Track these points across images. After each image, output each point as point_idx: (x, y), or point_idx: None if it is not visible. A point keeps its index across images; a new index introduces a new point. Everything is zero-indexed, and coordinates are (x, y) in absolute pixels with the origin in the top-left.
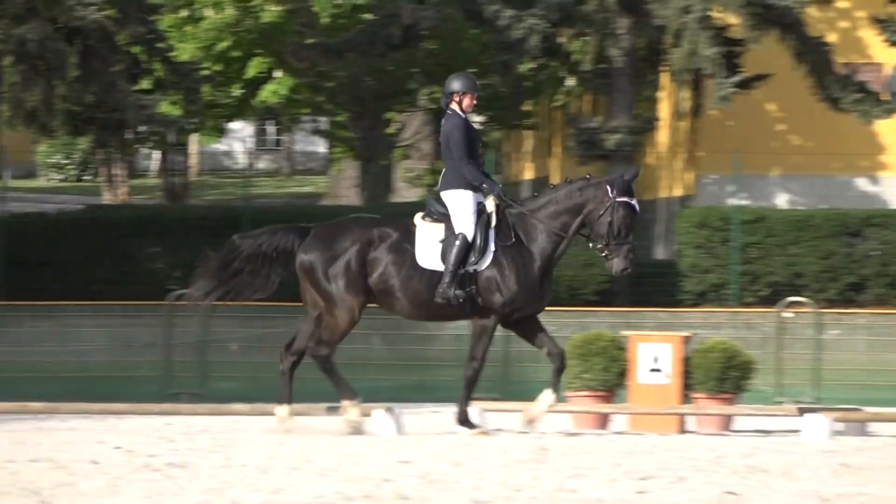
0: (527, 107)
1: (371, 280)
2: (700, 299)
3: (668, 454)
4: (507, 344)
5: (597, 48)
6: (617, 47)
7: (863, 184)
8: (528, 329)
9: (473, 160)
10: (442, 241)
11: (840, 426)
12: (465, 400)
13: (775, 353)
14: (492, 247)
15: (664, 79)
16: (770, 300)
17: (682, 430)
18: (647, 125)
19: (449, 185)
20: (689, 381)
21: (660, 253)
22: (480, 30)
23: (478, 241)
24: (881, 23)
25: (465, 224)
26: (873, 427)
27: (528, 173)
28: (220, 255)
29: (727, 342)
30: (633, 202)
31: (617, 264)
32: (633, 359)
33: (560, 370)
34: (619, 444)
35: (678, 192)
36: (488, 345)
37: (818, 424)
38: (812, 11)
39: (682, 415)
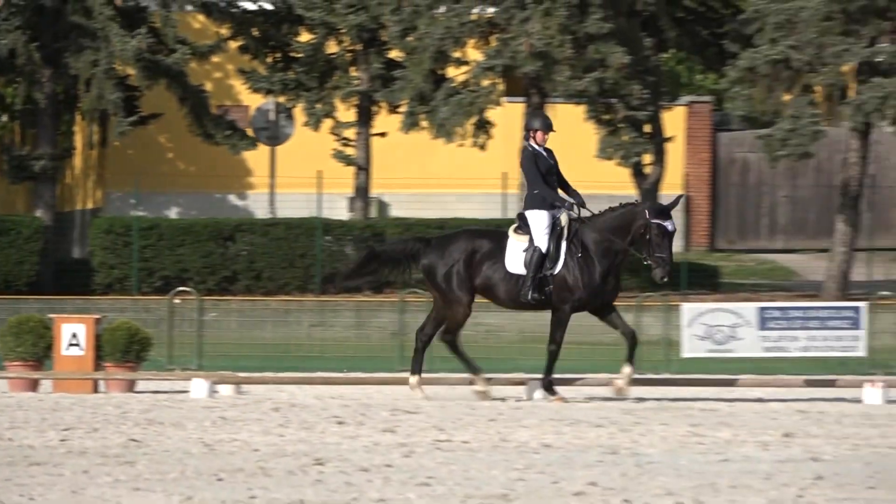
0: None
1: (476, 282)
2: (108, 289)
3: (84, 410)
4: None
5: (26, 92)
6: (41, 92)
7: (233, 199)
8: (606, 314)
9: (549, 184)
10: (524, 251)
11: (218, 387)
12: (547, 371)
13: (167, 331)
14: (563, 255)
15: (79, 116)
16: (163, 290)
17: (96, 392)
18: (66, 153)
19: (529, 206)
20: (101, 353)
21: (77, 253)
22: None
23: (551, 250)
24: (245, 73)
25: (540, 238)
26: (245, 388)
27: None
28: (360, 257)
29: (130, 323)
30: (666, 224)
31: (656, 273)
32: (57, 336)
33: (633, 347)
34: (46, 402)
35: (90, 205)
36: (564, 330)
37: (201, 386)
38: (193, 65)
39: (95, 379)
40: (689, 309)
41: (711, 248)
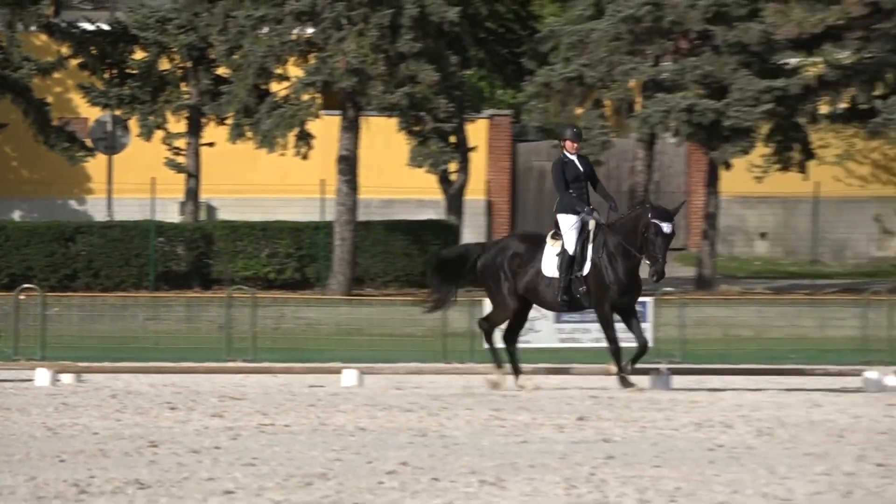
0: None
1: (518, 286)
2: None
3: None
4: None
5: None
6: None
7: (74, 204)
8: (626, 318)
9: (577, 190)
10: (557, 255)
11: (60, 376)
12: (616, 363)
13: (13, 325)
14: (589, 257)
15: None
16: (9, 287)
17: None
18: None
19: (558, 210)
20: None
21: None
22: None
23: (578, 253)
24: (84, 88)
25: (568, 242)
26: (85, 377)
27: None
28: (435, 269)
29: None
30: (662, 225)
31: (650, 272)
32: None
33: (639, 354)
34: None
35: None
36: (612, 328)
37: (44, 375)
38: (36, 80)
39: None
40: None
41: None
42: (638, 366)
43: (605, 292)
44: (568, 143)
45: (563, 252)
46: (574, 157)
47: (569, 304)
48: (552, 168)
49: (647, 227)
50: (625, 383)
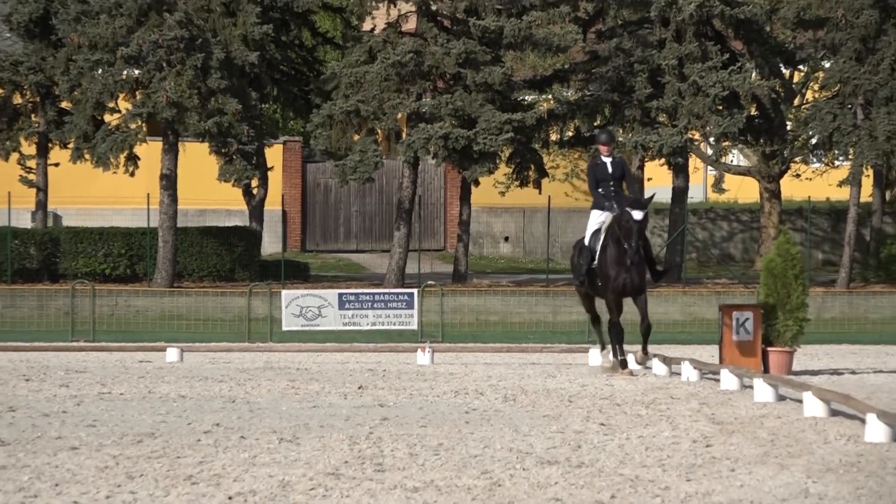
0: None
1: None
2: None
3: None
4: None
5: None
6: None
7: None
8: (635, 302)
9: (605, 189)
10: (574, 247)
11: None
12: (645, 340)
13: None
14: (598, 248)
15: None
16: None
17: None
18: None
19: (592, 207)
20: None
21: None
22: None
23: (592, 245)
24: None
25: (587, 235)
26: None
27: None
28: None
29: None
30: (633, 212)
31: (628, 254)
32: None
33: (645, 335)
34: None
35: None
36: (612, 311)
37: None
38: None
39: None
40: (287, 294)
41: (303, 250)
42: (407, 344)
43: (607, 280)
44: (601, 147)
45: (581, 243)
46: (607, 159)
47: (582, 286)
48: (588, 168)
49: (623, 217)
50: (623, 365)
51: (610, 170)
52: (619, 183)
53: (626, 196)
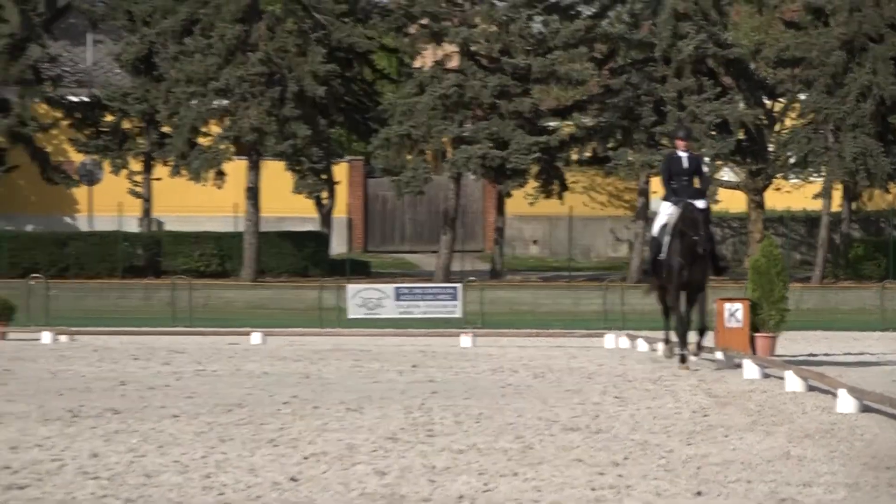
0: None
1: None
2: None
3: None
4: None
5: None
6: None
7: (67, 219)
8: (690, 296)
9: (678, 183)
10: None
11: (59, 337)
12: (701, 337)
13: (26, 301)
14: (666, 241)
15: None
16: (23, 275)
17: None
18: None
19: (663, 199)
20: None
21: None
22: None
23: (660, 237)
24: (72, 140)
25: (654, 227)
26: (77, 337)
27: None
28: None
29: (2, 296)
30: (698, 202)
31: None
32: None
33: (699, 331)
34: None
35: None
36: (673, 302)
37: (47, 336)
38: (39, 135)
39: None
40: (352, 288)
41: (365, 250)
42: (453, 330)
43: (671, 272)
44: (678, 141)
45: (651, 236)
46: (683, 154)
47: (647, 277)
48: (662, 163)
49: (687, 208)
50: (682, 358)
51: (686, 164)
52: (693, 178)
53: (689, 187)
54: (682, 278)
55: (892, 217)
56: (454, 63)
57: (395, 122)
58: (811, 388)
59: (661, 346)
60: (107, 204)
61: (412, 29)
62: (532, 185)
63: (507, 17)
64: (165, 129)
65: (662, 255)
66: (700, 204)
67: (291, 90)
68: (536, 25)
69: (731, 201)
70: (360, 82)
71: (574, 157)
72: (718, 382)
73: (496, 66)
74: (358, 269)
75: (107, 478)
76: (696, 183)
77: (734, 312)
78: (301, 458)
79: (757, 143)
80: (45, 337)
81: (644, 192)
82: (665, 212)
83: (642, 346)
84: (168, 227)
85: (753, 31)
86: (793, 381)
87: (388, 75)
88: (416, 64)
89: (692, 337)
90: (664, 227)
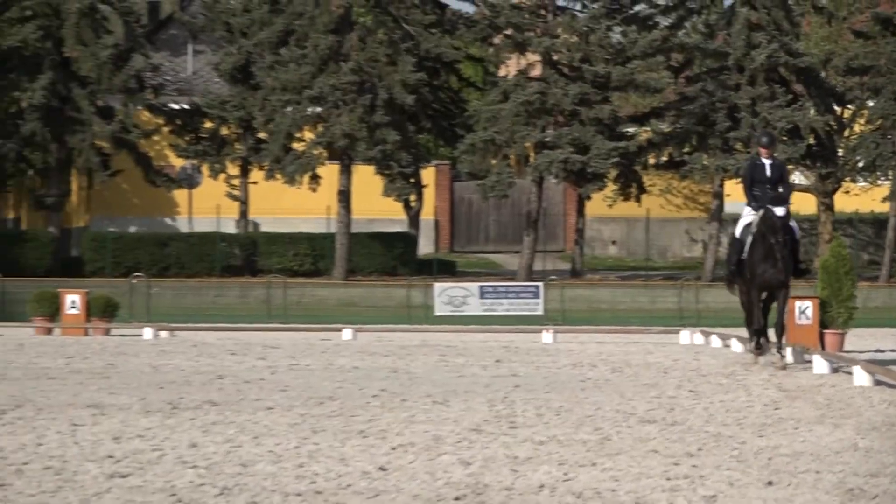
0: None
1: None
2: (93, 274)
3: (79, 347)
4: None
5: (42, 157)
6: (52, 157)
7: (167, 221)
8: (769, 298)
9: (760, 189)
10: (728, 244)
11: (160, 333)
12: (778, 338)
13: (129, 299)
14: (748, 244)
15: (75, 171)
16: (125, 274)
17: (86, 335)
18: (66, 192)
19: (746, 205)
20: (89, 312)
21: (74, 252)
22: None
23: (742, 237)
24: (173, 146)
25: (737, 229)
26: (176, 333)
27: None
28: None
29: (106, 294)
30: (777, 209)
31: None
32: (62, 302)
33: (779, 334)
34: (56, 342)
35: (82, 223)
36: (745, 308)
37: (149, 332)
38: (142, 141)
39: (85, 328)
40: (438, 286)
41: (451, 251)
42: (535, 326)
43: (753, 273)
44: (762, 149)
45: (733, 237)
46: (767, 161)
47: (730, 280)
48: (744, 168)
49: (766, 214)
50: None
51: (769, 172)
52: (776, 186)
53: (769, 193)
54: (763, 280)
55: None
56: (537, 72)
57: (480, 128)
58: (878, 383)
59: (743, 345)
60: (206, 206)
61: (497, 39)
62: (611, 188)
63: (587, 28)
64: (261, 135)
65: (745, 255)
66: (779, 211)
67: (381, 98)
68: (616, 36)
69: (802, 204)
70: (447, 90)
71: (651, 161)
72: (789, 377)
73: (577, 74)
74: (444, 269)
75: (204, 467)
76: (779, 189)
77: (804, 310)
78: (389, 449)
79: (826, 147)
80: (147, 333)
81: (718, 195)
82: (747, 216)
83: (716, 342)
84: (264, 228)
85: (823, 41)
86: (861, 376)
87: (474, 83)
88: (501, 72)
89: (772, 336)
90: (747, 226)
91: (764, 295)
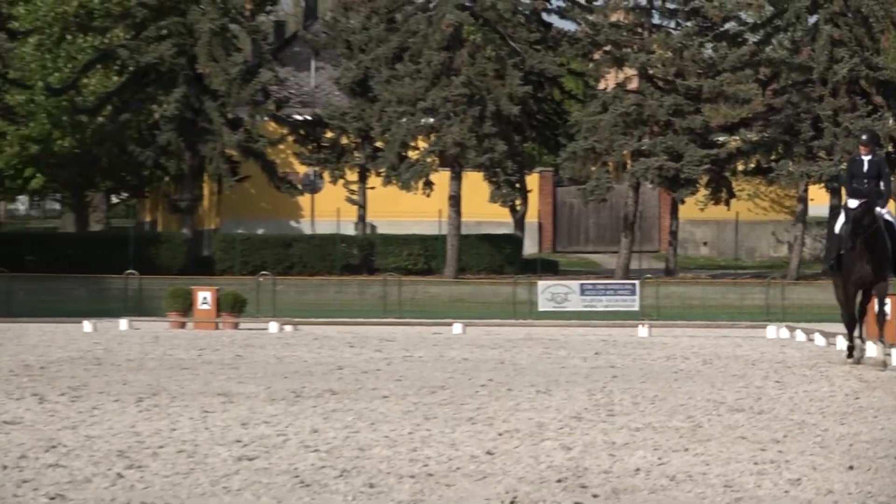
0: None
1: None
2: (223, 273)
3: (210, 340)
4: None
5: (176, 165)
6: (185, 164)
7: (291, 223)
8: (865, 294)
9: (858, 184)
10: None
11: (284, 327)
12: (880, 332)
13: (256, 296)
14: (845, 237)
15: (206, 177)
16: (253, 273)
17: (217, 329)
18: (199, 197)
19: (849, 197)
20: (219, 307)
21: (206, 252)
22: None
23: (840, 236)
24: (297, 154)
25: (837, 225)
26: (300, 327)
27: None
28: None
29: (235, 291)
30: (850, 202)
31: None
32: (195, 298)
33: (880, 324)
34: (189, 335)
35: (213, 226)
36: (841, 302)
37: (274, 326)
38: (268, 149)
39: (216, 323)
40: (542, 284)
41: (554, 251)
42: (631, 321)
43: (849, 269)
44: (861, 147)
45: (832, 232)
46: (865, 158)
47: (831, 272)
48: (847, 164)
49: (863, 208)
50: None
51: (866, 168)
52: (876, 182)
53: (870, 189)
54: (857, 277)
55: None
56: (634, 85)
57: (581, 137)
58: None
59: (840, 341)
60: (327, 210)
61: (597, 55)
62: (702, 192)
63: (681, 44)
64: (378, 144)
65: (843, 251)
66: (878, 207)
67: (490, 109)
68: (707, 51)
69: None
70: (551, 102)
71: (740, 167)
72: (868, 368)
73: (671, 87)
74: (547, 268)
75: (325, 451)
76: (880, 186)
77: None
78: (496, 435)
79: None
80: (272, 327)
81: (803, 199)
82: (843, 213)
83: (800, 336)
84: (380, 230)
85: None
86: None
87: (575, 96)
88: (600, 86)
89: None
90: (845, 224)
91: (860, 293)
